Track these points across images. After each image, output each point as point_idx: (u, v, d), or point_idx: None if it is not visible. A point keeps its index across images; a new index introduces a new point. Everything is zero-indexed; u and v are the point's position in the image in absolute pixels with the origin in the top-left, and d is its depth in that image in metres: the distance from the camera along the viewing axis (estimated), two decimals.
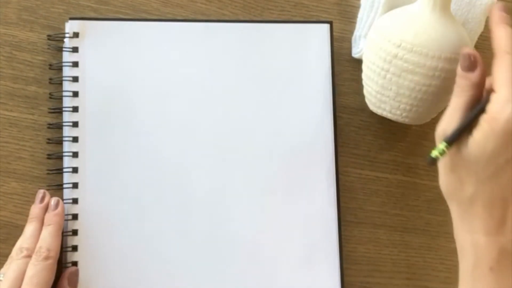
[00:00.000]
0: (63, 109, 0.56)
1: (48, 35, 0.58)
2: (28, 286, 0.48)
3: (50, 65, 0.57)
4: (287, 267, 0.56)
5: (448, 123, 0.46)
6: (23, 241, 0.51)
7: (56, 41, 0.58)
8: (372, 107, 0.57)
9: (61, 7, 0.58)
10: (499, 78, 0.44)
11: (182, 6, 0.60)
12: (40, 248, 0.50)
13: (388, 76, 0.52)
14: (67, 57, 0.57)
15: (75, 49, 0.57)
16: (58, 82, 0.57)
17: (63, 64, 0.56)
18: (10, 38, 0.57)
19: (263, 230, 0.56)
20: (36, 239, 0.51)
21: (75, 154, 0.55)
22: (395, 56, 0.51)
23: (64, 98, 0.56)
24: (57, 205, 0.53)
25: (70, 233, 0.54)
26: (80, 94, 0.56)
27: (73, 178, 0.55)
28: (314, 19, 0.61)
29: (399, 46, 0.51)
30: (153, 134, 0.56)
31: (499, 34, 0.46)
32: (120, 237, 0.55)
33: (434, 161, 0.46)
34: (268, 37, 0.59)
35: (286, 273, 0.56)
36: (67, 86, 0.56)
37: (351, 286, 0.58)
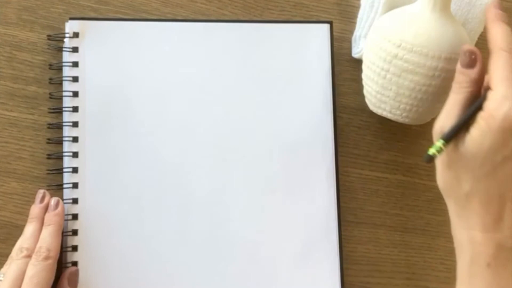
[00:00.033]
0: (63, 109, 0.56)
1: (48, 35, 0.58)
2: (28, 286, 0.48)
3: (50, 65, 0.57)
4: (287, 267, 0.56)
5: (445, 119, 0.46)
6: (23, 241, 0.51)
7: (56, 41, 0.58)
8: (372, 107, 0.57)
9: (61, 7, 0.58)
10: (495, 75, 0.44)
11: (182, 6, 0.60)
12: (40, 248, 0.50)
13: (388, 76, 0.52)
14: (67, 57, 0.57)
15: (75, 49, 0.57)
16: (58, 82, 0.57)
17: (63, 64, 0.56)
18: (10, 38, 0.58)
19: (263, 230, 0.56)
20: (36, 239, 0.51)
21: (75, 154, 0.55)
22: (395, 56, 0.51)
23: (64, 98, 0.56)
24: (57, 205, 0.53)
25: (70, 233, 0.54)
26: (80, 94, 0.56)
27: (73, 178, 0.55)
28: (314, 19, 0.61)
29: (399, 46, 0.51)
30: (153, 134, 0.56)
31: (495, 31, 0.46)
32: (120, 237, 0.55)
33: (431, 159, 0.46)
34: (268, 37, 0.59)
35: (286, 273, 0.56)
36: (67, 86, 0.56)
37: (351, 286, 0.58)
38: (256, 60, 0.58)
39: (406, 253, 0.59)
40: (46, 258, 0.50)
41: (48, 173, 0.56)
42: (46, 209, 0.53)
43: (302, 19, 0.61)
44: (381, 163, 0.60)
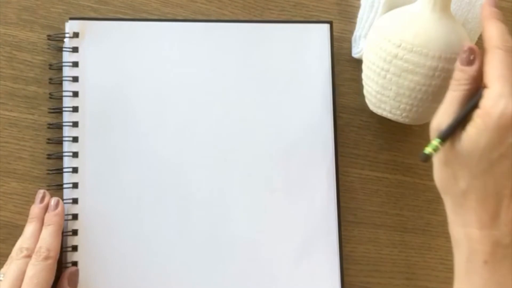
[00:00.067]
0: (63, 109, 0.56)
1: (48, 35, 0.58)
2: (28, 286, 0.48)
3: (50, 65, 0.57)
4: (287, 267, 0.56)
5: (443, 116, 0.46)
6: (23, 241, 0.51)
7: (56, 41, 0.58)
8: (372, 107, 0.57)
9: (61, 7, 0.58)
10: (491, 73, 0.44)
11: (182, 6, 0.60)
12: (40, 248, 0.50)
13: (388, 76, 0.52)
14: (67, 57, 0.57)
15: (75, 49, 0.57)
16: (58, 82, 0.57)
17: (63, 64, 0.56)
18: (10, 38, 0.58)
19: (263, 230, 0.56)
20: (36, 239, 0.51)
21: (75, 154, 0.55)
22: (395, 56, 0.51)
23: (64, 98, 0.56)
24: (57, 205, 0.53)
25: (70, 233, 0.54)
26: (80, 94, 0.56)
27: (73, 178, 0.55)
28: (314, 19, 0.61)
29: (399, 46, 0.51)
30: (153, 134, 0.56)
31: (490, 29, 0.46)
32: (120, 237, 0.55)
33: (428, 158, 0.46)
34: (268, 37, 0.59)
35: (286, 273, 0.56)
36: (67, 86, 0.56)
37: (351, 286, 0.58)
38: (256, 60, 0.58)
39: (406, 253, 0.59)
40: (46, 258, 0.50)
41: (48, 173, 0.56)
42: (46, 209, 0.53)
43: (302, 19, 0.61)
44: (381, 163, 0.60)
